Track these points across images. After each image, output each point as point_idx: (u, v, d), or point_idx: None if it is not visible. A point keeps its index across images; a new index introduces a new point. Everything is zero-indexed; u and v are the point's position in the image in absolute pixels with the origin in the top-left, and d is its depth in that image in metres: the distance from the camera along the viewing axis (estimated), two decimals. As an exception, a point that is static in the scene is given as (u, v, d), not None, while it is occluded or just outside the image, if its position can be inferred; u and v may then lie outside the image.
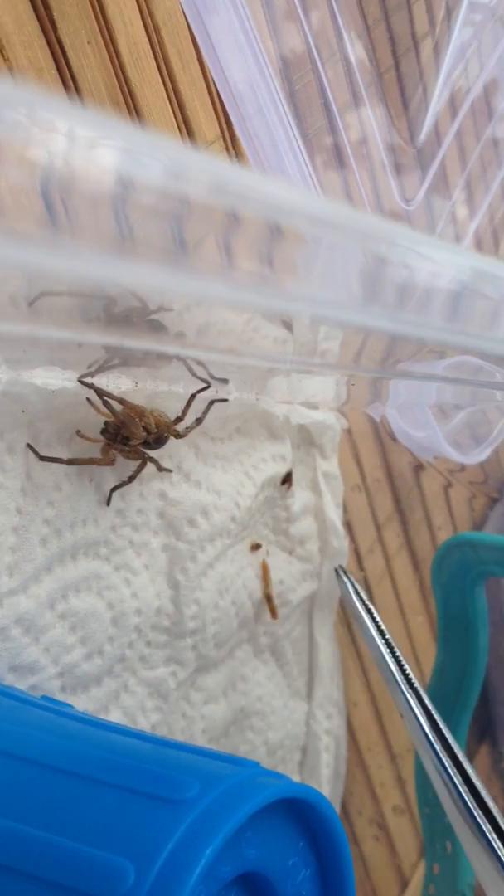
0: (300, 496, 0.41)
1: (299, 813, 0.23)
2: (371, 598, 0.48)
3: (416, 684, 0.34)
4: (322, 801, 0.23)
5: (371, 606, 0.36)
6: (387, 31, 0.44)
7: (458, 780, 0.32)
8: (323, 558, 0.43)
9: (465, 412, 0.44)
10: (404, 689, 0.34)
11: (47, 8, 0.29)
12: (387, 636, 0.35)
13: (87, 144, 0.14)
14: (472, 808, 0.31)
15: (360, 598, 0.37)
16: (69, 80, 0.30)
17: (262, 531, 0.40)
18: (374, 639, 0.35)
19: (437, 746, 0.32)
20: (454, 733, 0.45)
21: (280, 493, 0.40)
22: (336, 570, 0.38)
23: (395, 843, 0.40)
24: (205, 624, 0.35)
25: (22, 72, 0.28)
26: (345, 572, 0.38)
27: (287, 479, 0.40)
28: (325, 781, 0.43)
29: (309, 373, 0.37)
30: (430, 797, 0.45)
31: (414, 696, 0.34)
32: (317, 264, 0.18)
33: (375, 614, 0.36)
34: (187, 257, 0.16)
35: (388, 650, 0.35)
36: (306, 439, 0.42)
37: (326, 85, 0.39)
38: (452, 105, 0.50)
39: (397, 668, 0.34)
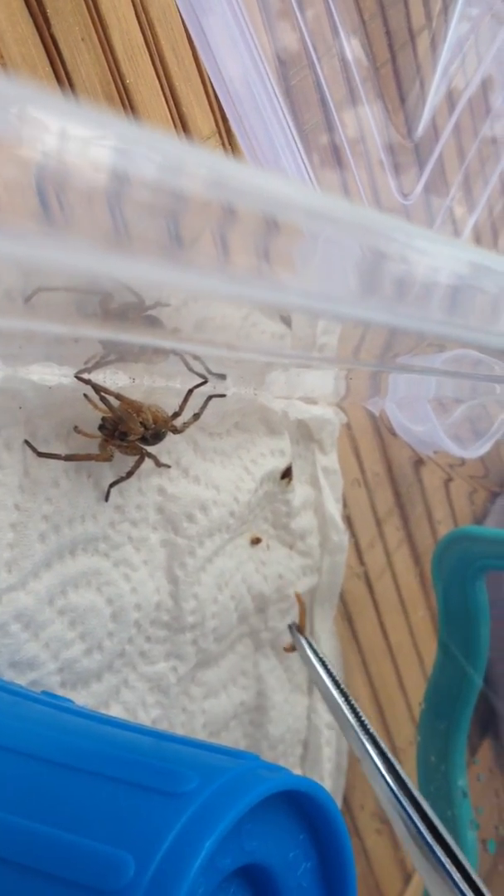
0: (300, 491, 0.41)
1: (299, 805, 0.23)
2: (371, 594, 0.48)
3: (371, 730, 0.35)
4: (321, 792, 0.23)
5: (324, 658, 0.38)
6: (383, 26, 0.44)
7: (411, 809, 0.33)
8: (323, 553, 0.43)
9: (465, 406, 0.44)
10: (361, 736, 0.35)
11: (41, 5, 0.29)
12: (341, 686, 0.37)
13: (82, 139, 0.14)
14: (432, 846, 0.31)
15: (314, 651, 0.38)
16: (63, 77, 0.30)
17: (263, 525, 0.40)
18: (329, 689, 0.37)
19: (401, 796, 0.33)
20: (456, 728, 0.45)
21: (280, 488, 0.40)
22: (289, 627, 0.39)
23: (397, 837, 0.40)
24: (204, 618, 0.35)
25: (16, 69, 0.28)
26: (298, 629, 0.39)
27: (287, 474, 0.40)
28: (327, 775, 0.43)
29: (307, 367, 0.37)
30: (431, 790, 0.45)
31: (372, 744, 0.35)
32: (314, 258, 0.18)
33: (329, 665, 0.38)
34: (183, 251, 0.16)
35: (343, 699, 0.36)
36: (305, 434, 0.42)
37: (323, 81, 0.39)
38: (450, 100, 0.50)
39: (353, 715, 0.36)
